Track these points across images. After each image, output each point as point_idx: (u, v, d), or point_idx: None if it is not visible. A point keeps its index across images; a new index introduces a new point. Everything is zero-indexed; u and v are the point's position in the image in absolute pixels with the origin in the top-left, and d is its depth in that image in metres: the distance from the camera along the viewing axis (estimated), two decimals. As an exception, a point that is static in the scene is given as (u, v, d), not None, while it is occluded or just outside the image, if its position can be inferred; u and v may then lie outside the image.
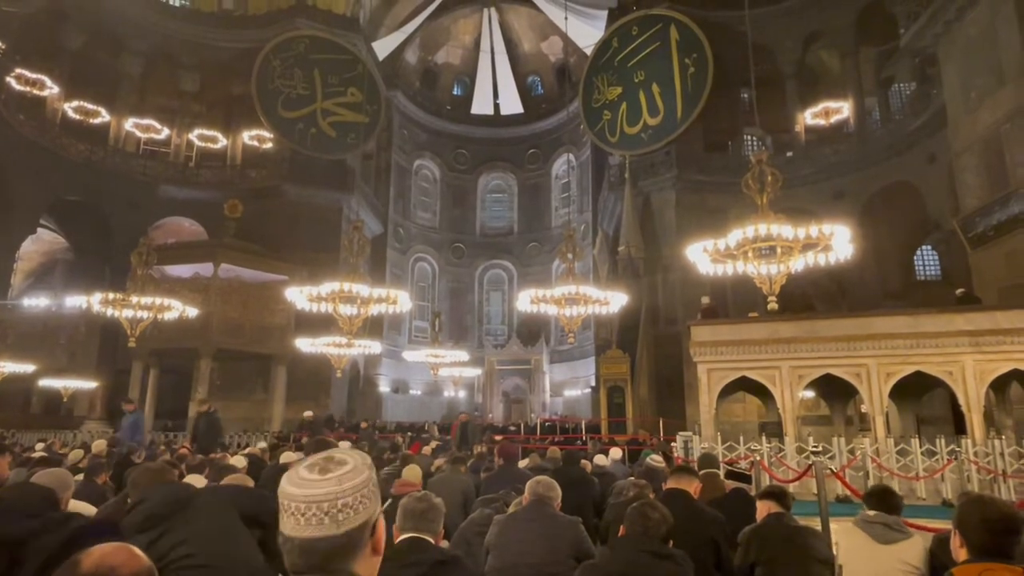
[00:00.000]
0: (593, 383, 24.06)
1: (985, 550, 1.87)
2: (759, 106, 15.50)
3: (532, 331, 30.77)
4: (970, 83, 14.32)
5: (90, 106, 21.83)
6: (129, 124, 23.18)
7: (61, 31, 21.65)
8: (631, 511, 2.49)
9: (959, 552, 1.95)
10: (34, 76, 19.97)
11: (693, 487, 3.63)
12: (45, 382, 18.29)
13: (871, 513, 2.93)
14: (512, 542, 2.97)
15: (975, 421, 8.74)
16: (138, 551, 1.28)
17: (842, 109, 20.42)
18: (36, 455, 6.87)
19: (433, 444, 11.08)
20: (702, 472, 4.96)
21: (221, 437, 13.53)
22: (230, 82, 23.92)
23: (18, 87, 19.85)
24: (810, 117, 20.52)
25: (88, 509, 3.76)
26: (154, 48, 23.48)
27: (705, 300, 13.79)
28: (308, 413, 16.82)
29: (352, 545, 1.07)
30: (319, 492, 1.05)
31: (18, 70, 19.76)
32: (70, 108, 21.77)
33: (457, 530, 3.62)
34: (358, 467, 1.10)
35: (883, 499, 2.99)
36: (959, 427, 9.74)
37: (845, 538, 2.90)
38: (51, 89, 20.81)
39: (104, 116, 22.42)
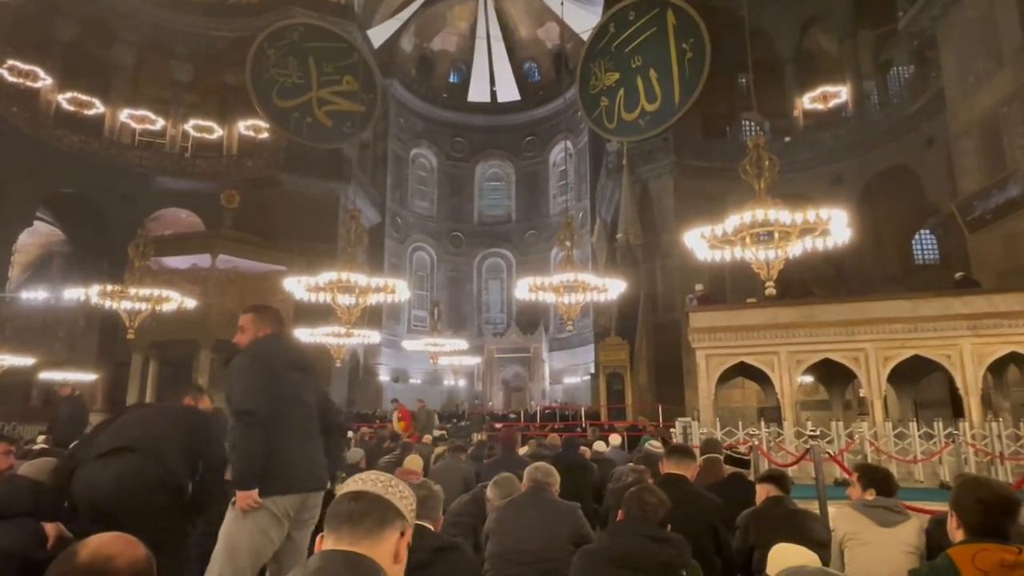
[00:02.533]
0: (592, 370, 24.12)
1: (981, 530, 1.88)
2: (757, 91, 15.40)
3: (531, 319, 30.80)
4: (969, 66, 14.24)
5: (84, 97, 21.71)
6: (124, 115, 23.06)
7: (53, 22, 21.46)
8: (629, 496, 2.50)
9: (955, 533, 1.96)
10: (27, 67, 19.82)
11: (691, 471, 3.64)
12: (45, 375, 18.30)
13: (870, 497, 2.94)
14: (511, 528, 2.99)
15: (973, 404, 8.78)
16: (136, 540, 1.28)
17: (840, 93, 20.34)
18: (37, 447, 6.90)
19: (434, 433, 11.13)
20: (703, 457, 4.99)
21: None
22: (224, 71, 23.75)
23: (11, 79, 19.70)
24: (808, 102, 20.44)
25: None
26: (146, 38, 23.29)
27: (699, 287, 13.77)
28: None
29: (386, 518, 1.23)
30: (383, 475, 1.33)
31: (10, 61, 19.60)
32: (64, 100, 21.63)
33: None
34: None
35: (883, 483, 3.00)
36: (957, 410, 9.78)
37: (846, 523, 2.90)
38: (44, 81, 20.65)
39: (98, 107, 22.29)
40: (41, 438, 9.68)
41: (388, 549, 1.22)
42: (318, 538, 1.24)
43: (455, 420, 20.54)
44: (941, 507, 3.51)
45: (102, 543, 1.23)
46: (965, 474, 2.47)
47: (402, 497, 1.29)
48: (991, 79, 13.53)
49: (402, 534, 1.25)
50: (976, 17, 14.01)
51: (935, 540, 2.70)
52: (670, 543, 2.34)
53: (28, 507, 2.42)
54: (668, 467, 3.61)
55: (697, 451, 5.45)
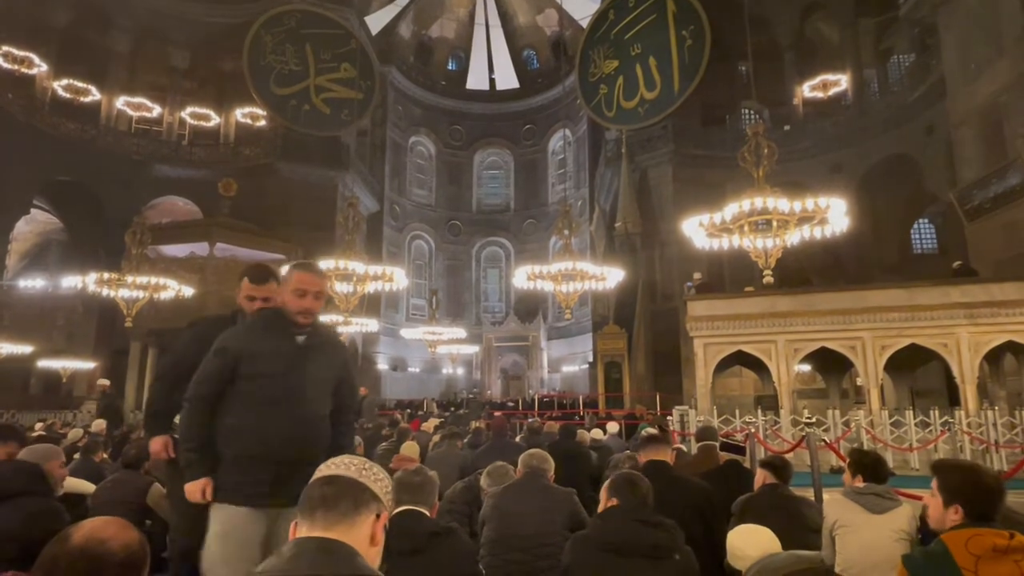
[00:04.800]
0: (590, 359, 24.17)
1: (980, 515, 1.92)
2: (756, 79, 15.33)
3: (530, 308, 30.82)
4: (969, 54, 14.17)
5: (80, 84, 21.57)
6: (120, 102, 22.93)
7: (47, 7, 21.26)
8: (619, 482, 2.50)
9: (947, 518, 1.97)
10: (22, 54, 19.68)
11: (669, 456, 3.64)
12: (44, 363, 18.32)
13: (861, 484, 2.94)
14: (508, 513, 3.01)
15: (969, 393, 8.80)
16: (129, 524, 1.28)
17: (840, 81, 20.25)
18: (35, 434, 6.92)
19: (432, 421, 11.15)
20: (698, 444, 5.02)
21: None
22: (221, 58, 23.59)
23: (6, 65, 19.56)
24: (808, 90, 20.36)
25: (87, 487, 3.80)
26: (141, 24, 23.10)
27: (697, 276, 13.76)
28: None
29: (360, 501, 1.22)
30: (356, 458, 1.33)
31: (5, 48, 19.46)
32: (59, 86, 21.49)
33: None
34: None
35: (874, 470, 2.99)
36: (953, 399, 9.82)
37: (836, 510, 2.90)
38: (40, 67, 20.51)
39: (94, 94, 22.16)
40: (39, 425, 9.71)
41: (364, 532, 1.21)
42: (292, 525, 1.22)
43: (453, 408, 20.60)
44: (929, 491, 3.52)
45: (95, 526, 1.23)
46: (946, 460, 2.46)
47: (376, 479, 1.28)
48: (992, 67, 13.47)
49: (378, 516, 1.24)
50: (977, 4, 13.93)
51: (928, 526, 2.71)
52: (662, 527, 2.35)
53: (24, 488, 2.44)
54: (647, 455, 3.59)
55: (692, 439, 5.47)
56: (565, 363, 30.65)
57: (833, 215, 7.70)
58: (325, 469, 1.28)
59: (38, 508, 2.41)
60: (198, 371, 2.42)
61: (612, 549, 2.29)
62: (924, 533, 2.73)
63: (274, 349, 2.38)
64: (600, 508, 2.53)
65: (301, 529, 1.20)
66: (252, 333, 2.44)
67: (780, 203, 7.41)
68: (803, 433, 5.78)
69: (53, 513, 2.44)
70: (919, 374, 11.49)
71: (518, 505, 3.03)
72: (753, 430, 7.08)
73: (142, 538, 1.27)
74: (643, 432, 6.52)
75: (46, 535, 1.33)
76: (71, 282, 13.54)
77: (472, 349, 27.38)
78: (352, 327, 15.11)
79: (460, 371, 30.49)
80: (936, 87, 16.15)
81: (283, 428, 2.31)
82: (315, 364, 2.44)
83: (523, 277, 11.21)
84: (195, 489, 2.29)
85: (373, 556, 1.22)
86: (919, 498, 3.57)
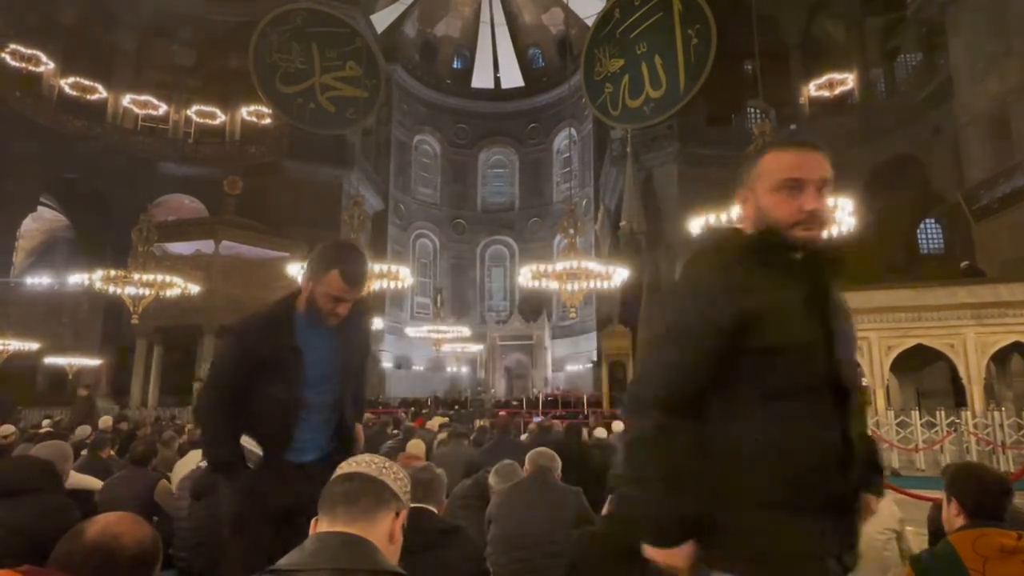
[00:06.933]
0: (595, 358, 24.16)
1: (981, 514, 1.92)
2: (763, 78, 15.31)
3: (534, 307, 30.80)
4: (977, 53, 14.10)
5: (86, 82, 21.66)
6: (127, 100, 23.02)
7: (54, 6, 21.36)
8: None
9: (955, 520, 1.98)
10: (29, 52, 19.78)
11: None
12: (50, 359, 18.42)
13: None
14: (515, 512, 3.01)
15: (975, 393, 8.77)
16: (142, 520, 1.30)
17: (847, 81, 20.19)
18: (43, 431, 6.98)
19: (437, 420, 11.16)
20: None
21: None
22: (227, 56, 23.64)
23: (13, 63, 19.66)
24: (814, 89, 20.31)
25: (94, 483, 3.82)
26: (147, 22, 23.18)
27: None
28: None
29: (381, 499, 1.23)
30: (377, 457, 1.33)
31: (13, 46, 19.56)
32: (66, 84, 21.59)
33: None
34: None
35: None
36: (959, 400, 9.79)
37: None
38: (47, 65, 20.61)
39: (101, 92, 22.25)
40: (46, 422, 9.76)
41: (383, 530, 1.22)
42: (312, 521, 1.23)
43: (457, 407, 20.62)
44: (941, 495, 3.51)
45: (109, 522, 1.24)
46: (954, 463, 2.43)
47: (396, 478, 1.29)
48: (1000, 67, 13.40)
49: (397, 515, 1.26)
50: (985, 4, 13.85)
51: (937, 525, 2.70)
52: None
53: (36, 485, 2.45)
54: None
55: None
56: (569, 362, 30.62)
57: (839, 215, 7.68)
58: (346, 467, 1.29)
59: (50, 504, 2.42)
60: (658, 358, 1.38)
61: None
62: (933, 533, 2.72)
63: (795, 301, 1.37)
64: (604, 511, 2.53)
65: (322, 524, 1.21)
66: (756, 271, 1.36)
67: (786, 203, 7.40)
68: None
69: (64, 509, 2.46)
70: (925, 374, 11.46)
71: (525, 503, 3.03)
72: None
73: (155, 534, 1.28)
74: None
75: (57, 531, 1.35)
76: (77, 279, 13.62)
77: (476, 348, 27.40)
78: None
79: (464, 369, 30.52)
80: (943, 87, 16.09)
81: (837, 438, 1.30)
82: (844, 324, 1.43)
83: (527, 276, 11.22)
84: (677, 559, 1.28)
85: (392, 553, 1.23)
86: (925, 499, 3.56)
